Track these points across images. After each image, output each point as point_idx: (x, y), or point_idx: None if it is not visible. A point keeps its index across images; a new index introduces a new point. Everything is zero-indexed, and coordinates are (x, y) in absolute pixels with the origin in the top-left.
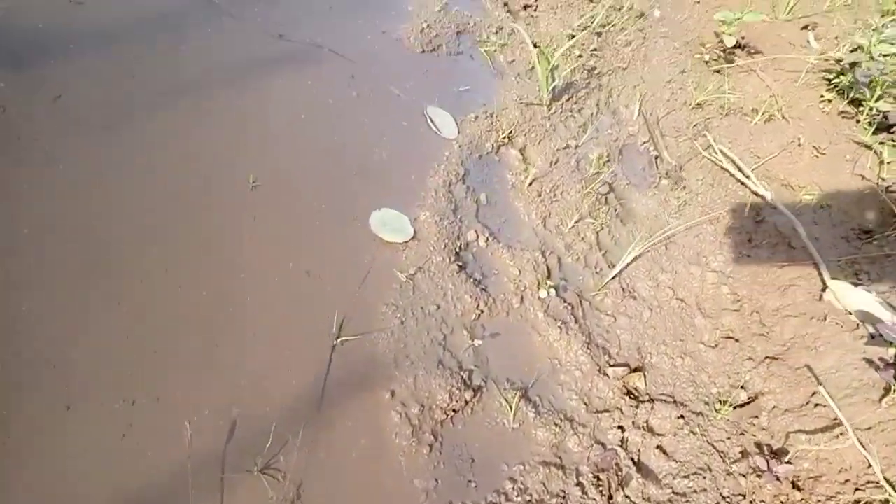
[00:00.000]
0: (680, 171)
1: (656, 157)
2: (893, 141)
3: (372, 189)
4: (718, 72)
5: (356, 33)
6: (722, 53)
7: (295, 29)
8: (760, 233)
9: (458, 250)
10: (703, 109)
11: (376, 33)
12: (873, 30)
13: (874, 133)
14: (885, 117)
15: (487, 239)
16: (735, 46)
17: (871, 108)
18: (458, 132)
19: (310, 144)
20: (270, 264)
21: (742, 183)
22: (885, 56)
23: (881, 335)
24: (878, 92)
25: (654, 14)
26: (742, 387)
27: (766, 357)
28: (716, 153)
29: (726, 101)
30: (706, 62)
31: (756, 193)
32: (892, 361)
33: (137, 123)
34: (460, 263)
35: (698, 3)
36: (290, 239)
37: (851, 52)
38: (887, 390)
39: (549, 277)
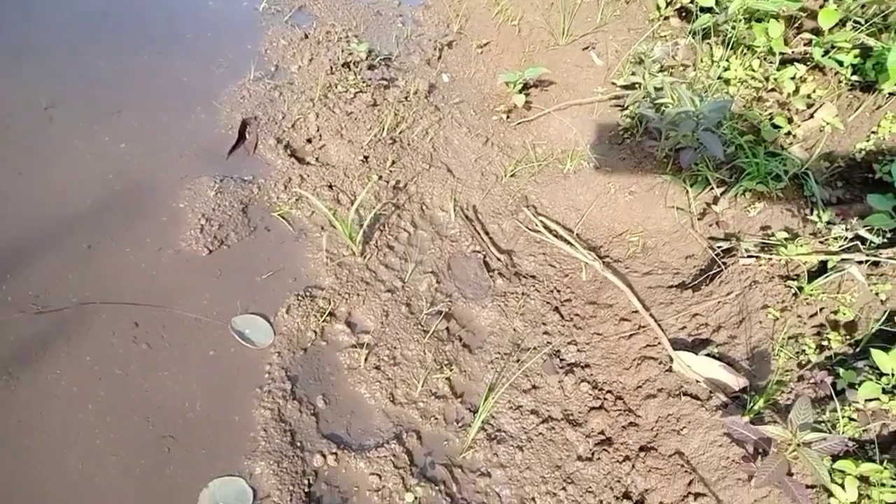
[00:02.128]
0: (511, 260)
1: (484, 257)
2: (692, 173)
3: (193, 463)
4: (521, 124)
5: (126, 265)
6: (517, 105)
7: (55, 294)
8: (601, 302)
9: (307, 489)
10: (517, 178)
11: (150, 255)
12: (644, 55)
13: (672, 166)
14: (676, 161)
15: (336, 455)
16: (527, 87)
17: (663, 149)
18: (274, 334)
19: (106, 442)
20: None
21: (573, 246)
22: (657, 90)
23: (733, 401)
24: (665, 134)
25: (442, 80)
26: (626, 495)
27: (641, 449)
28: (538, 226)
29: (535, 157)
30: (507, 118)
31: (585, 262)
32: (760, 438)
33: None
34: (313, 502)
35: (481, 52)
36: None
37: (625, 87)
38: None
39: (412, 464)
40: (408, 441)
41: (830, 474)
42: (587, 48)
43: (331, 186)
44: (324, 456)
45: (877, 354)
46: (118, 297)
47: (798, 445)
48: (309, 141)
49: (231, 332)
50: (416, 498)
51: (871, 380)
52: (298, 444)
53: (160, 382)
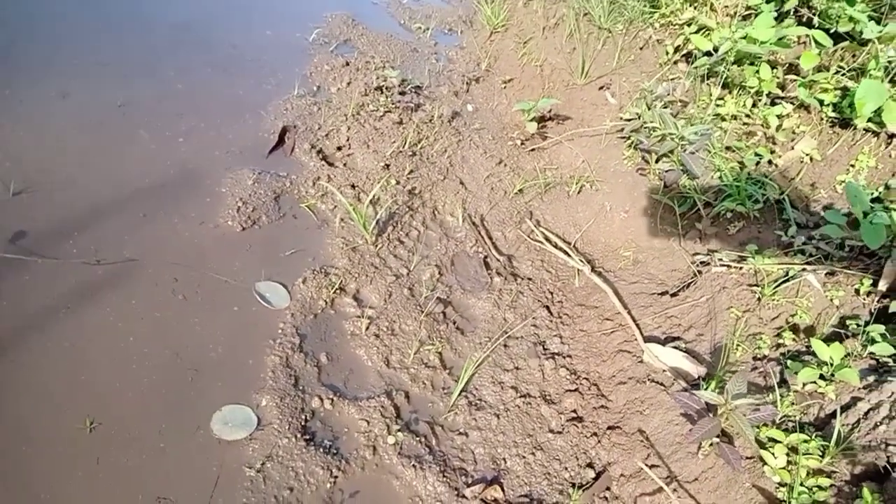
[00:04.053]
0: (511, 263)
1: (485, 258)
2: (681, 194)
3: (210, 391)
4: (534, 150)
5: (172, 232)
6: (534, 134)
7: (112, 250)
8: (589, 305)
9: (304, 423)
10: (524, 194)
11: (193, 226)
12: (647, 91)
13: (664, 189)
14: (662, 178)
15: (332, 400)
16: (544, 119)
17: (655, 170)
18: (290, 299)
19: (142, 366)
20: (119, 502)
21: (568, 255)
22: (652, 122)
23: (692, 387)
24: (655, 157)
25: (467, 109)
26: (590, 465)
27: (608, 427)
28: (538, 236)
29: (544, 178)
30: (522, 144)
31: (582, 270)
32: (702, 408)
33: None
34: (308, 436)
35: (505, 87)
36: (136, 472)
37: (629, 121)
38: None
39: (398, 417)
40: (396, 398)
41: (762, 444)
42: (602, 88)
43: (353, 186)
44: (321, 399)
45: (816, 343)
46: (163, 257)
47: (730, 410)
48: (339, 149)
49: (254, 294)
50: (396, 441)
51: (811, 366)
52: (300, 387)
53: (190, 327)
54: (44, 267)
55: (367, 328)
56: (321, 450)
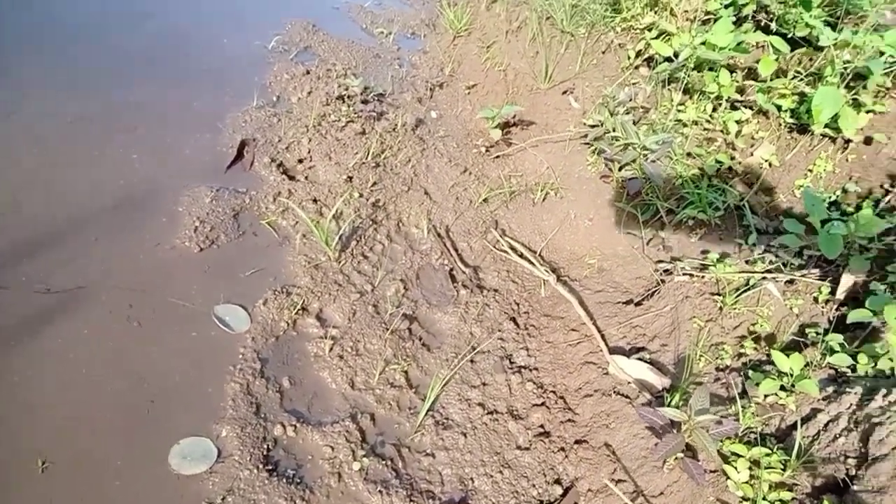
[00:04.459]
0: (476, 274)
1: (451, 270)
2: (644, 202)
3: (168, 423)
4: (499, 157)
5: (127, 256)
6: (498, 141)
7: (63, 276)
8: (555, 315)
9: (266, 453)
10: (489, 203)
11: (149, 248)
12: (609, 97)
13: (627, 196)
14: (625, 187)
15: (296, 427)
16: (509, 125)
17: (618, 178)
18: (251, 322)
19: (96, 399)
20: None
21: (533, 265)
22: (614, 131)
23: (656, 399)
24: (618, 165)
25: (431, 116)
26: (557, 481)
27: (575, 442)
28: (504, 245)
29: (509, 186)
30: (486, 151)
31: (547, 280)
32: (666, 423)
33: None
34: (270, 467)
35: (469, 93)
36: None
37: (592, 127)
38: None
39: (363, 441)
40: (362, 421)
41: (725, 457)
42: (566, 93)
43: (315, 200)
44: (284, 427)
45: (776, 355)
46: (117, 281)
47: (693, 426)
48: (300, 161)
49: (213, 318)
50: (362, 467)
51: (771, 377)
52: (262, 415)
53: (146, 356)
54: None
55: (331, 349)
56: (284, 480)
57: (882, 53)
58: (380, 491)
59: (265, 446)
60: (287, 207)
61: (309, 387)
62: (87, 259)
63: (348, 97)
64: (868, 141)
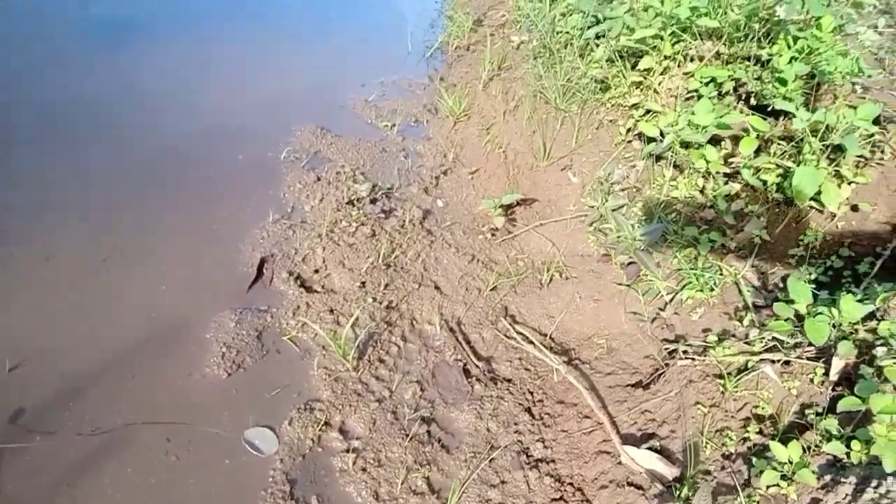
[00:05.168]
0: (489, 366)
1: (465, 365)
2: (646, 283)
3: None
4: (504, 241)
5: (162, 389)
6: (503, 224)
7: (106, 417)
8: (568, 402)
9: None
10: (498, 291)
11: (182, 379)
12: (603, 178)
13: (627, 278)
14: (624, 271)
15: None
16: (511, 207)
17: (617, 262)
18: (279, 443)
19: None
20: None
21: (543, 353)
22: (613, 210)
23: (668, 489)
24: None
25: (437, 205)
26: None
27: None
28: (514, 334)
29: (516, 269)
30: (492, 235)
31: (558, 369)
32: None
33: None
34: None
35: (472, 178)
36: None
37: (590, 207)
38: None
39: None
40: None
41: None
42: (564, 169)
43: (332, 311)
44: None
45: (775, 446)
46: (154, 417)
47: None
48: (316, 271)
49: (243, 443)
50: None
51: (773, 468)
52: None
53: (185, 488)
54: (41, 444)
55: (355, 462)
56: None
57: (857, 128)
58: None
59: None
60: (306, 322)
61: (336, 502)
62: (125, 397)
63: (357, 200)
64: (854, 208)
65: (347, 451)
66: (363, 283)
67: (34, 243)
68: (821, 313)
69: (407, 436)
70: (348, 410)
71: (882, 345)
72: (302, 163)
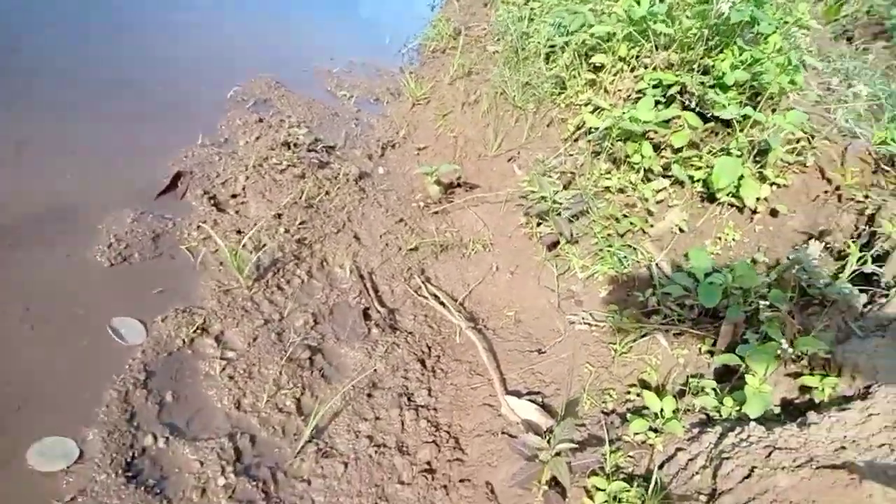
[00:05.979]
0: (393, 316)
1: (366, 309)
2: (557, 255)
3: (35, 423)
4: (437, 213)
5: (35, 262)
6: (440, 199)
7: None
8: (464, 360)
9: (130, 460)
10: (419, 252)
11: (59, 259)
12: (542, 163)
13: (545, 251)
14: (543, 242)
15: (168, 439)
16: (453, 186)
17: (537, 233)
18: (146, 336)
19: None
20: None
21: (448, 310)
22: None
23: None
24: (536, 220)
25: (378, 171)
26: None
27: (460, 480)
28: (425, 291)
29: (442, 239)
30: (426, 206)
31: (459, 325)
32: (533, 454)
33: None
34: (131, 474)
35: (419, 154)
36: None
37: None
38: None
39: (238, 460)
40: (240, 441)
41: (589, 492)
42: (511, 160)
43: (239, 231)
44: (155, 438)
45: (648, 395)
46: (18, 285)
47: (552, 455)
48: (233, 196)
49: (108, 329)
50: (228, 484)
51: (643, 417)
52: (135, 424)
53: (30, 357)
54: None
55: (223, 369)
56: (143, 488)
57: (783, 130)
58: None
59: (130, 454)
60: (208, 235)
61: (192, 403)
62: None
63: (294, 144)
64: (774, 213)
65: (219, 358)
66: (279, 215)
67: None
68: (714, 282)
69: (287, 358)
70: (230, 322)
71: (769, 306)
72: (248, 105)
